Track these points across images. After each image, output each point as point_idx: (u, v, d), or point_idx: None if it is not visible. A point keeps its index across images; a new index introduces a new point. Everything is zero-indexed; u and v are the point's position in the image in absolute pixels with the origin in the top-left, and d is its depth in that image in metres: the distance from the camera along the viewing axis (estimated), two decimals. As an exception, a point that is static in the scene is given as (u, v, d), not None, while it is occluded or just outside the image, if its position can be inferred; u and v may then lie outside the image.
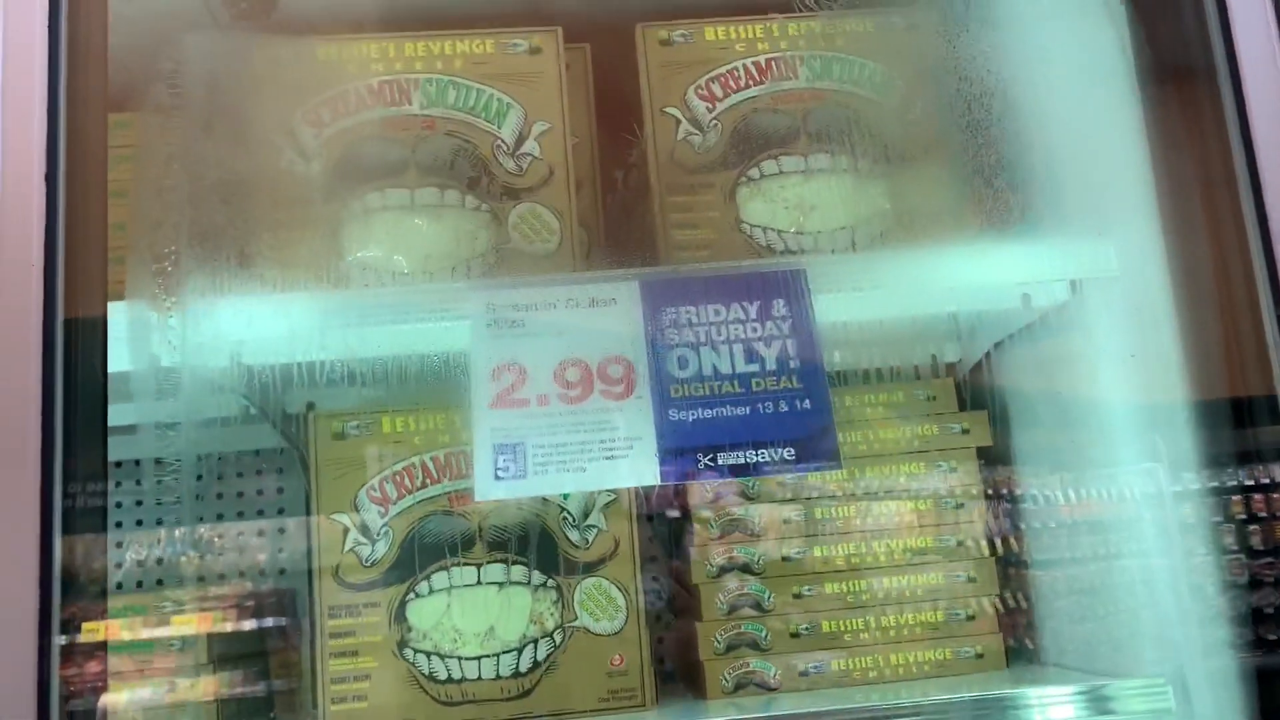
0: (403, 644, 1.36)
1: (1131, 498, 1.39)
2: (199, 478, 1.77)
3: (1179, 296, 1.26)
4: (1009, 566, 1.54)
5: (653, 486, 1.53)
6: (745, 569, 1.43)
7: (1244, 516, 2.01)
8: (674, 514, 1.55)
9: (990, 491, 1.51)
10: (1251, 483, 1.96)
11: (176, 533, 1.73)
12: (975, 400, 1.56)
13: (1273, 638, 1.87)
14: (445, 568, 1.38)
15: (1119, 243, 1.27)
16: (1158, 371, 1.34)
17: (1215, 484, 1.42)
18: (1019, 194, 1.33)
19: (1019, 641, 1.54)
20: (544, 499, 1.40)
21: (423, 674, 1.35)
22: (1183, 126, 1.33)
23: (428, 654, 1.36)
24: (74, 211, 0.90)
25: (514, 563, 1.39)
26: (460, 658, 1.36)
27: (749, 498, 1.46)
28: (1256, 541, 1.98)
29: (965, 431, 1.51)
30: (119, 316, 1.13)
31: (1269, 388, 1.24)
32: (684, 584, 1.51)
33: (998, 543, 1.50)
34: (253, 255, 1.16)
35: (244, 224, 1.15)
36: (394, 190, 1.39)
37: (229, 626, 1.50)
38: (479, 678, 1.36)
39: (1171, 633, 1.30)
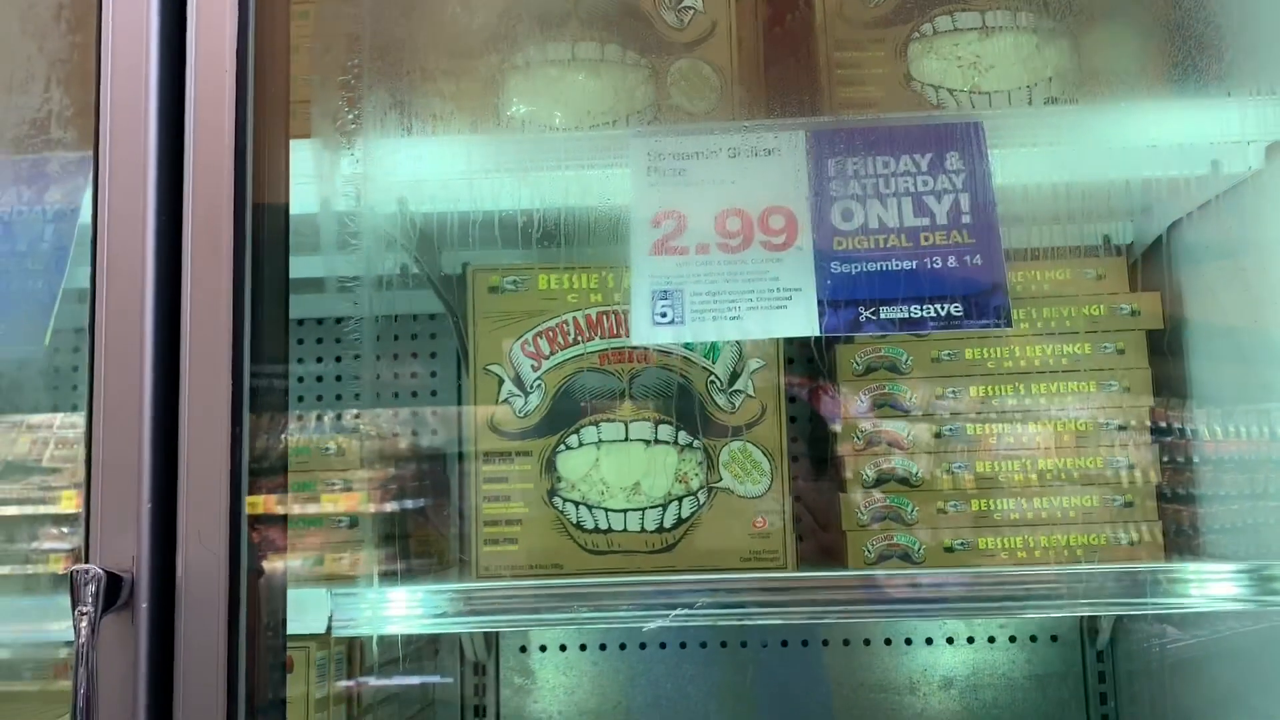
0: (552, 492, 1.39)
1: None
2: (377, 338, 1.84)
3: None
4: (1173, 500, 1.46)
5: (795, 363, 1.51)
6: (894, 444, 1.41)
7: None
8: (821, 387, 1.53)
9: (1158, 420, 1.43)
10: None
11: (340, 396, 1.81)
12: (1147, 286, 1.48)
13: None
14: (595, 423, 1.41)
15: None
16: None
17: None
18: (1212, 43, 1.23)
19: (1176, 544, 1.47)
20: (693, 361, 1.40)
21: (571, 522, 1.39)
22: None
23: (576, 504, 1.39)
24: (261, 32, 0.92)
25: (661, 422, 1.40)
26: (607, 509, 1.39)
27: (900, 372, 1.43)
28: None
29: (1135, 313, 1.43)
30: (300, 154, 1.16)
31: None
32: (828, 462, 1.50)
33: (1168, 473, 1.43)
34: (428, 77, 1.17)
35: (419, 44, 1.16)
36: (554, 44, 1.38)
37: (386, 491, 1.56)
38: (625, 529, 1.38)
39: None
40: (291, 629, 1.17)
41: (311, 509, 1.46)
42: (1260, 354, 1.41)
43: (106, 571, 0.84)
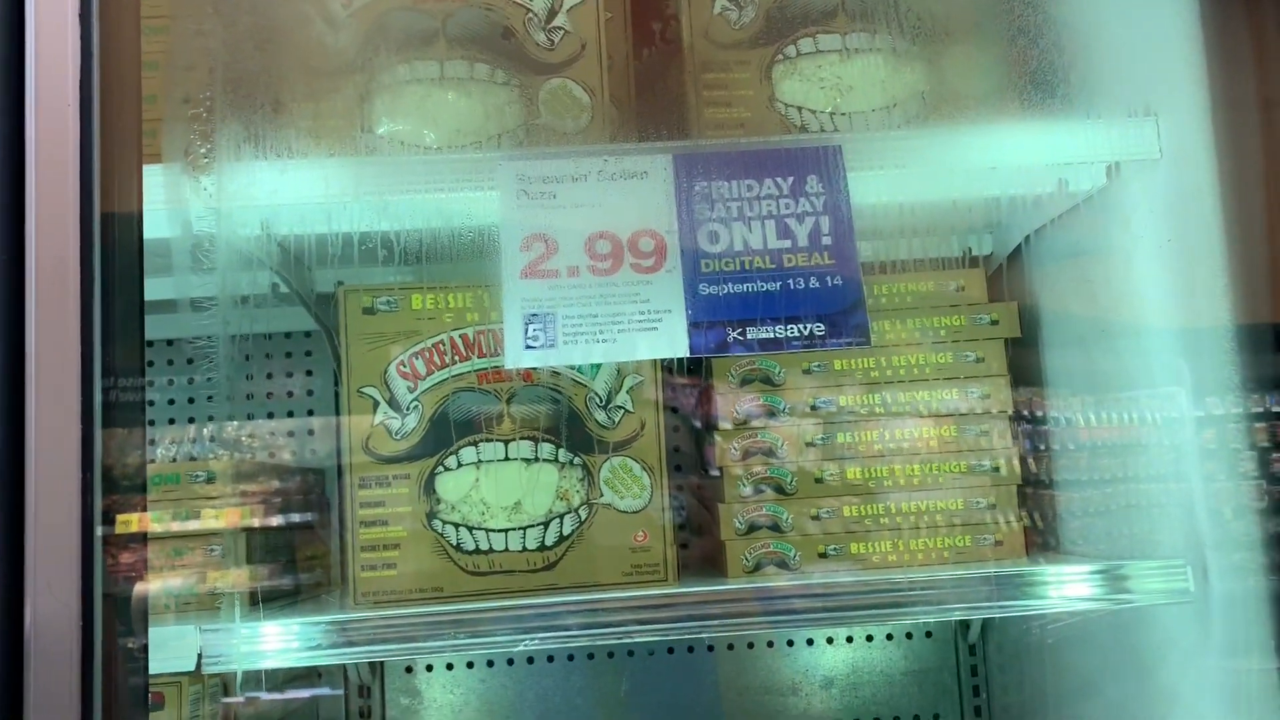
0: (431, 515, 1.38)
1: (1157, 419, 1.38)
2: (247, 358, 1.79)
3: (1224, 179, 1.23)
4: (1032, 485, 1.54)
5: (674, 373, 1.54)
6: (769, 453, 1.45)
7: (1269, 444, 1.98)
8: (699, 399, 1.56)
9: (1019, 409, 1.50)
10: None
11: (211, 417, 1.76)
12: (1006, 294, 1.55)
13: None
14: (474, 443, 1.40)
15: (1162, 124, 1.24)
16: (1196, 266, 1.32)
17: (1247, 409, 1.38)
18: (1059, 71, 1.30)
19: (1041, 540, 1.55)
20: (572, 379, 1.41)
21: (451, 544, 1.38)
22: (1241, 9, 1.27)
23: (456, 525, 1.38)
24: (108, 56, 0.89)
25: (541, 440, 1.41)
26: (488, 530, 1.39)
27: (774, 384, 1.46)
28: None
29: (994, 322, 1.50)
30: (154, 180, 1.13)
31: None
32: (707, 469, 1.53)
33: (1029, 461, 1.50)
34: (285, 106, 1.15)
35: (277, 72, 1.14)
36: (423, 63, 1.37)
37: (263, 510, 1.53)
38: (506, 549, 1.38)
39: (1197, 541, 1.30)
40: (160, 668, 1.14)
41: (180, 539, 1.42)
42: (1106, 354, 1.49)
43: (-53, 630, 0.80)
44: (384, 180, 1.21)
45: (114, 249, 0.91)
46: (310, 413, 1.84)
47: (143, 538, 0.95)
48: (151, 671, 1.06)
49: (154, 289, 1.24)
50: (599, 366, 1.41)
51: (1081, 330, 1.53)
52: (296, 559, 1.64)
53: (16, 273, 0.87)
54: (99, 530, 0.86)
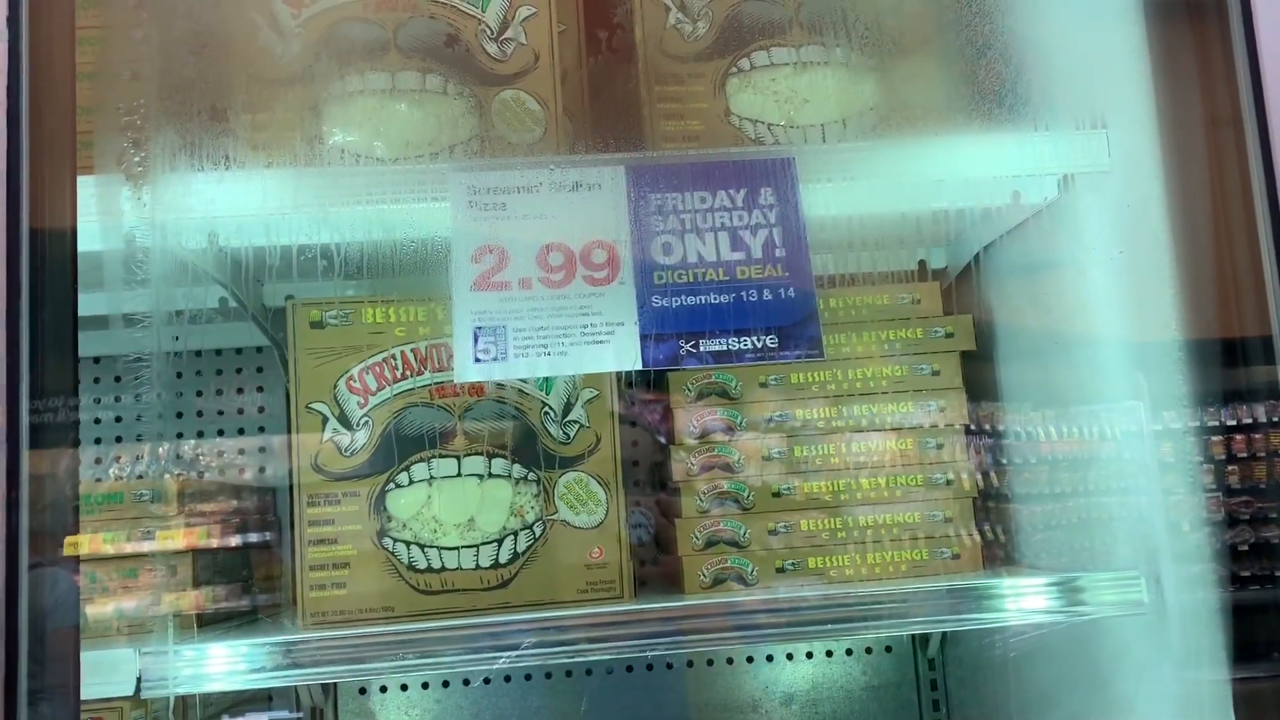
0: (382, 533, 1.36)
1: (1110, 432, 1.39)
2: (178, 375, 1.75)
3: (1171, 194, 1.24)
4: (989, 499, 1.54)
5: (634, 387, 1.52)
6: (726, 467, 1.43)
7: (1224, 457, 2.02)
8: (656, 413, 1.54)
9: (975, 422, 1.50)
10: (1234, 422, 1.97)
11: (160, 434, 1.72)
12: (961, 308, 1.55)
13: (1246, 574, 1.90)
14: (425, 459, 1.38)
15: (1112, 137, 1.25)
16: (1146, 279, 1.33)
17: (1197, 423, 1.39)
18: (1011, 84, 1.31)
19: (1000, 554, 1.55)
20: (527, 394, 1.39)
21: (402, 563, 1.35)
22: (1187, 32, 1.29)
23: (408, 543, 1.36)
24: (39, 64, 0.87)
25: (494, 456, 1.39)
26: (440, 548, 1.36)
27: (730, 397, 1.45)
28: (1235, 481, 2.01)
29: (950, 335, 1.50)
30: (88, 191, 1.10)
31: (1263, 327, 1.21)
32: (665, 484, 1.52)
33: (986, 474, 1.50)
34: (224, 113, 1.13)
35: (215, 79, 1.12)
36: (374, 73, 1.35)
37: (211, 530, 1.50)
38: (459, 567, 1.36)
39: (1152, 554, 1.30)
40: (99, 692, 1.11)
41: (122, 560, 1.38)
42: (1061, 367, 1.50)
43: None
44: (335, 192, 1.19)
45: (44, 263, 0.88)
46: (262, 430, 1.81)
47: (75, 559, 0.91)
48: (90, 696, 1.03)
49: (104, 304, 1.21)
50: (554, 380, 1.39)
51: (1036, 343, 1.54)
52: (253, 579, 1.60)
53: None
54: (24, 551, 0.83)
